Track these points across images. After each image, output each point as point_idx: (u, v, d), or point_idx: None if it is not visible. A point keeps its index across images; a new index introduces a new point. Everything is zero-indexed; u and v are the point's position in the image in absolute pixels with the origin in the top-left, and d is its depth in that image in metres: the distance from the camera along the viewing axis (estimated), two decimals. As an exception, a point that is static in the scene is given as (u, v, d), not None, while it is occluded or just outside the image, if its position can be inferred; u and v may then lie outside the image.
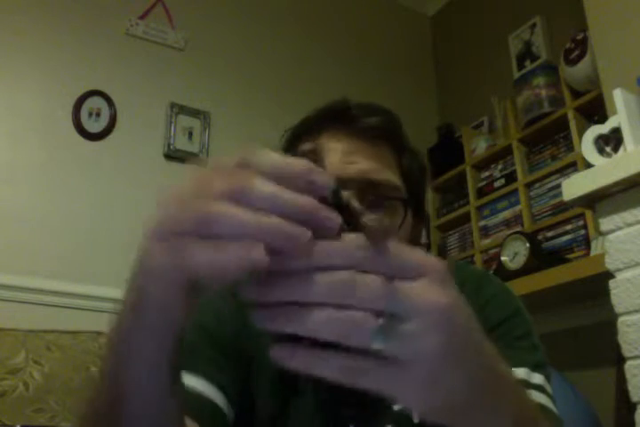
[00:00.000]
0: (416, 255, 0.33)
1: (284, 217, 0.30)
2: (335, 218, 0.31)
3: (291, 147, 0.74)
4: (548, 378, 0.69)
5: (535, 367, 0.67)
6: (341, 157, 0.68)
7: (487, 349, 0.37)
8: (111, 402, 0.41)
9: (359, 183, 0.66)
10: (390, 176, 0.69)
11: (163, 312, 0.35)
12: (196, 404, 0.59)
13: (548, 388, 0.67)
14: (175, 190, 0.33)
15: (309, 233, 0.30)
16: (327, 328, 0.31)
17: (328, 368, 0.32)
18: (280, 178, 0.31)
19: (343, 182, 0.66)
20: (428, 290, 0.32)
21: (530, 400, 0.49)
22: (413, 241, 0.74)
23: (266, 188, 0.30)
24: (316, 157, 0.34)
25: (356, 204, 0.34)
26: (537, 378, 0.67)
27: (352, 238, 0.32)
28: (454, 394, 0.34)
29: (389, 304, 0.31)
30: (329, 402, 0.68)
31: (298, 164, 0.32)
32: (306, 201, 0.31)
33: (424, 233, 0.78)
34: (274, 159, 0.32)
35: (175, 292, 0.34)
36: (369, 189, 0.67)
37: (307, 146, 0.35)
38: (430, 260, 0.34)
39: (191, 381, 0.60)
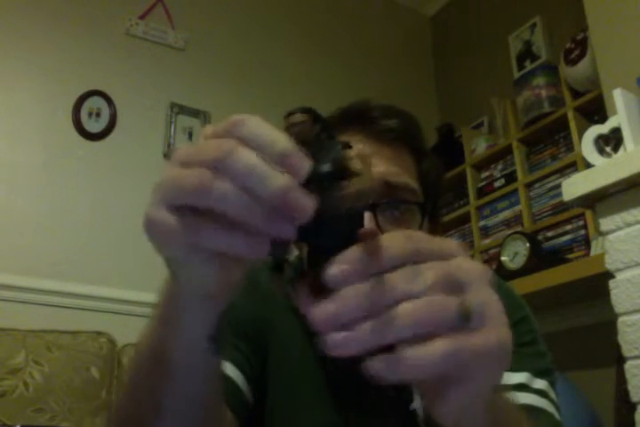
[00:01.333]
0: (442, 240, 0.35)
1: (257, 192, 0.29)
2: (308, 203, 0.30)
3: None
4: (552, 385, 0.68)
5: (539, 373, 0.67)
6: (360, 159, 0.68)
7: None
8: (154, 375, 0.41)
9: (377, 186, 0.66)
10: (408, 180, 0.69)
11: (191, 275, 0.35)
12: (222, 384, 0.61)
13: (552, 394, 0.67)
14: (180, 155, 0.32)
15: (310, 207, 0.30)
16: (415, 323, 0.31)
17: (431, 364, 0.31)
18: (261, 149, 0.30)
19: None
20: (468, 263, 0.34)
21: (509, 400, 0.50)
22: None
23: (247, 158, 0.30)
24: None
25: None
26: (539, 383, 0.67)
27: (394, 235, 0.33)
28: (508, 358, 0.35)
29: (452, 282, 0.32)
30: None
31: (282, 141, 0.30)
32: (283, 180, 0.29)
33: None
34: (261, 132, 0.31)
35: (196, 262, 0.34)
36: (386, 192, 0.67)
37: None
38: (453, 242, 0.35)
39: None
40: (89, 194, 2.13)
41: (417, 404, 0.69)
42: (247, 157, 0.30)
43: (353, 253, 0.31)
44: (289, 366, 0.69)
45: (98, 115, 2.22)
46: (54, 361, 1.62)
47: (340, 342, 0.30)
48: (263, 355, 0.69)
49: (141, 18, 2.40)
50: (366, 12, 3.02)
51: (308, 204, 0.30)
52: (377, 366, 0.31)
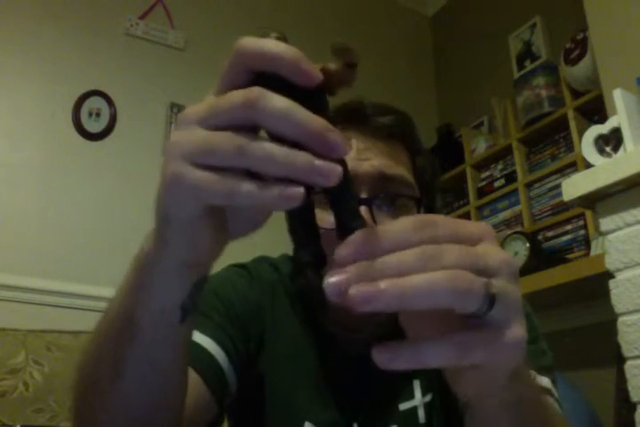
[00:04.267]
0: (470, 223, 0.34)
1: (294, 135, 0.30)
2: (343, 143, 0.31)
3: None
4: (554, 382, 0.69)
5: (542, 371, 0.67)
6: (355, 154, 0.68)
7: None
8: (119, 338, 0.42)
9: (372, 178, 0.66)
10: (403, 172, 0.69)
11: (187, 239, 0.35)
12: (198, 356, 0.61)
13: (555, 392, 0.67)
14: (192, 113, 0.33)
15: (339, 169, 0.30)
16: (439, 295, 0.29)
17: (437, 355, 0.30)
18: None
19: (356, 178, 0.66)
20: (495, 249, 0.33)
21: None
22: None
23: (279, 102, 0.30)
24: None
25: None
26: (543, 381, 0.67)
27: (413, 217, 0.32)
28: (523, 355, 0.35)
29: (478, 265, 0.31)
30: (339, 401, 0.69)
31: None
32: (319, 121, 0.30)
33: None
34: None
35: (202, 220, 0.34)
36: (382, 185, 0.67)
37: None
38: (482, 225, 0.34)
39: (197, 337, 0.62)
40: (89, 194, 2.13)
41: (417, 401, 0.69)
42: (278, 100, 0.30)
43: (362, 234, 0.31)
44: (288, 363, 0.69)
45: (98, 115, 2.22)
46: (54, 361, 1.62)
47: (360, 296, 0.29)
48: (255, 345, 0.69)
49: (141, 18, 2.40)
50: (366, 12, 3.02)
51: (344, 143, 0.31)
52: (381, 358, 0.30)
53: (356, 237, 0.31)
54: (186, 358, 0.47)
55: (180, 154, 0.32)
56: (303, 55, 0.31)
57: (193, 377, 0.57)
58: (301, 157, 0.30)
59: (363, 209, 0.63)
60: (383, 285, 0.29)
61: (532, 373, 0.56)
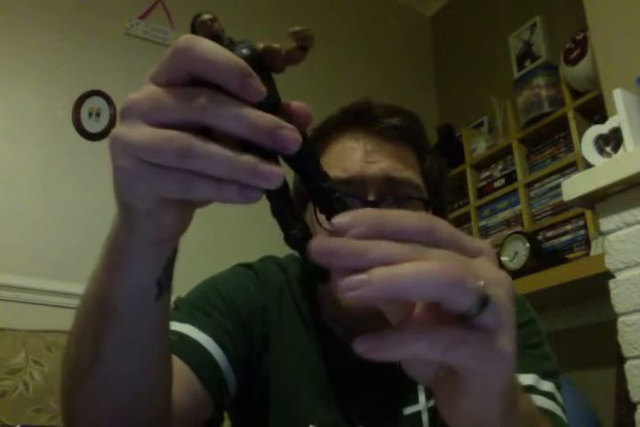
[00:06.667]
0: (471, 237, 0.33)
1: (244, 138, 0.30)
2: (294, 137, 0.30)
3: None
4: (558, 387, 0.68)
5: (545, 375, 0.67)
6: (363, 156, 0.68)
7: None
8: (97, 319, 0.41)
9: (380, 181, 0.66)
10: (411, 175, 0.69)
11: (151, 223, 0.35)
12: (194, 353, 0.61)
13: (558, 396, 0.67)
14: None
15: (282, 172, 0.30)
16: (431, 284, 0.28)
17: (422, 346, 0.29)
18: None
19: (364, 181, 0.66)
20: (492, 266, 0.32)
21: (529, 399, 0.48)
22: None
23: (229, 106, 0.30)
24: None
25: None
26: (547, 386, 0.66)
27: (418, 214, 0.31)
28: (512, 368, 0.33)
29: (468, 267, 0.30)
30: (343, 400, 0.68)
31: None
32: (267, 120, 0.30)
33: None
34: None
35: (160, 205, 0.34)
36: (390, 188, 0.67)
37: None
38: (483, 242, 0.34)
39: (193, 332, 0.62)
40: (89, 194, 2.13)
41: (422, 406, 0.69)
42: (227, 103, 0.30)
43: (368, 211, 0.30)
44: (293, 365, 0.69)
45: (98, 115, 2.22)
46: (54, 361, 1.62)
47: (350, 283, 0.28)
48: (259, 345, 0.69)
49: (141, 18, 2.40)
50: (366, 12, 3.02)
51: (295, 136, 0.30)
52: (363, 347, 0.29)
53: (360, 211, 0.30)
54: (166, 343, 0.46)
55: (124, 150, 0.31)
56: (248, 68, 0.30)
57: (188, 375, 0.57)
58: (243, 161, 0.29)
59: None
60: (373, 272, 0.28)
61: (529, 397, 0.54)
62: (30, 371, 1.57)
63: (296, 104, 0.34)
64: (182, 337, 0.61)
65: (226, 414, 0.76)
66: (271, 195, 0.32)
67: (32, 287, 1.90)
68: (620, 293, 1.43)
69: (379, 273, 0.28)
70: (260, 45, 0.33)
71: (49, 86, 2.17)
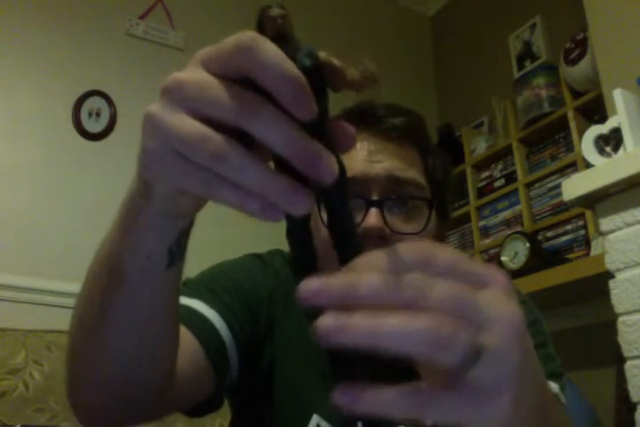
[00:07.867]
0: (481, 265, 0.31)
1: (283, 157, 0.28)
2: (332, 169, 0.28)
3: None
4: (562, 388, 0.69)
5: (550, 376, 0.67)
6: (367, 155, 0.68)
7: (538, 365, 0.34)
8: (107, 282, 0.41)
9: (384, 181, 0.67)
10: (415, 175, 0.69)
11: (169, 201, 0.35)
12: (201, 325, 0.61)
13: (562, 398, 0.67)
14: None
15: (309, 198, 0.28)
16: (412, 341, 0.26)
17: (402, 407, 0.27)
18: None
19: (368, 180, 0.66)
20: (500, 299, 0.29)
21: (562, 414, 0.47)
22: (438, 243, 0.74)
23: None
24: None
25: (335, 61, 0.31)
26: (551, 386, 0.66)
27: (414, 245, 0.30)
28: (528, 416, 0.30)
29: (469, 310, 0.27)
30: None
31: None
32: (310, 148, 0.28)
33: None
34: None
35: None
36: (393, 187, 0.67)
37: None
38: (495, 271, 0.31)
39: (202, 307, 0.63)
40: (89, 194, 2.13)
41: None
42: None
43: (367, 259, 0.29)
44: (297, 355, 0.69)
45: (98, 115, 2.22)
46: (54, 361, 1.62)
47: (329, 326, 0.27)
48: (263, 331, 0.70)
49: (141, 18, 2.40)
50: (366, 12, 3.02)
51: (333, 168, 0.28)
52: (342, 399, 0.27)
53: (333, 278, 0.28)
54: (175, 314, 0.46)
55: (158, 134, 0.30)
56: (306, 86, 0.28)
57: (194, 346, 0.58)
58: (277, 182, 0.28)
59: (373, 211, 0.63)
60: (356, 318, 0.26)
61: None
62: (30, 371, 1.57)
63: (342, 127, 0.31)
64: (191, 311, 0.62)
65: (226, 414, 0.76)
66: (292, 218, 0.31)
67: (32, 287, 1.90)
68: (620, 293, 1.43)
69: (361, 322, 0.26)
70: (323, 54, 0.31)
71: (49, 86, 2.17)
